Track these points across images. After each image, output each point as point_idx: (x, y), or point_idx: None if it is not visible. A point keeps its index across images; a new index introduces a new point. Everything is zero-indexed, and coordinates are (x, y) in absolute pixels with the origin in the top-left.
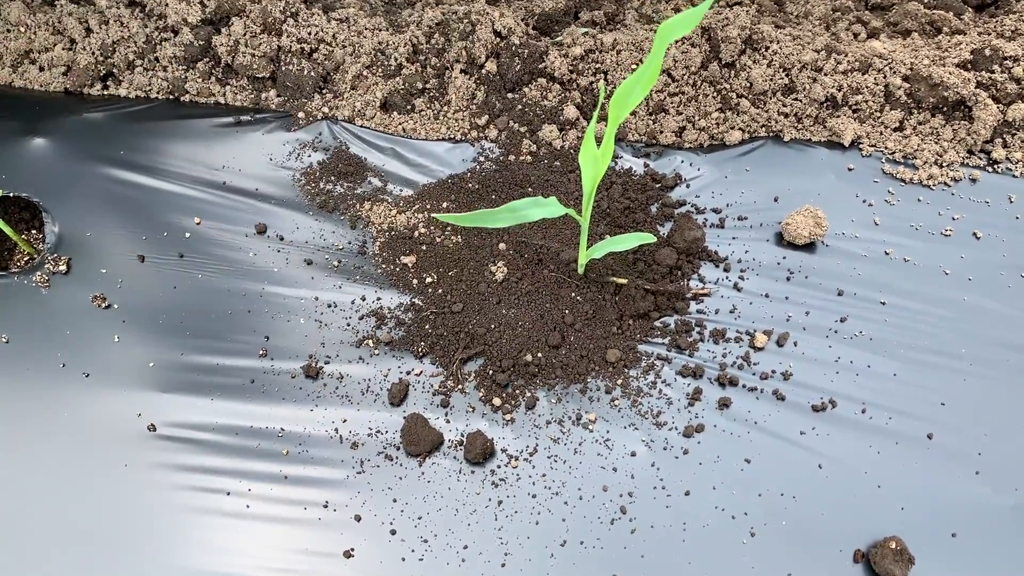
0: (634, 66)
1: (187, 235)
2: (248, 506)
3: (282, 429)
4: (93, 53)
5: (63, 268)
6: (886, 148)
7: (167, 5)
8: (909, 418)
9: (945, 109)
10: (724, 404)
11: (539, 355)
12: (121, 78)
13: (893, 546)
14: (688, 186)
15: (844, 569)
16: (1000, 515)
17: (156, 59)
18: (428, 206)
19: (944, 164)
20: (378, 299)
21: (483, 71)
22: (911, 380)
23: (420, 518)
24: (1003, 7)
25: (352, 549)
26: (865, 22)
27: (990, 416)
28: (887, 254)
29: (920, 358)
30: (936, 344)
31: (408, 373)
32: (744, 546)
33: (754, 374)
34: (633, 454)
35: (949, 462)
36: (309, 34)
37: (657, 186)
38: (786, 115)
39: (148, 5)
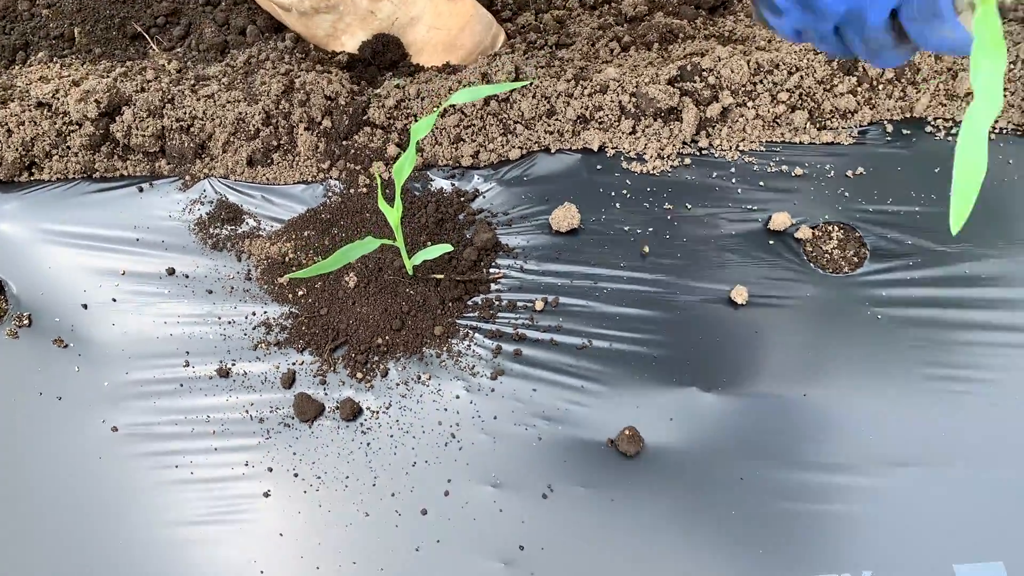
0: (435, 108)
1: (116, 284)
2: (192, 472)
3: (208, 416)
4: (16, 150)
5: (26, 322)
6: (623, 149)
7: (69, 105)
8: (642, 345)
9: (662, 115)
10: (517, 353)
11: (387, 338)
12: (43, 166)
13: (628, 433)
14: (484, 197)
15: (602, 452)
16: (704, 403)
17: (68, 147)
18: (294, 235)
19: (664, 156)
20: (265, 312)
21: (321, 127)
22: (644, 318)
23: (313, 463)
24: (729, 8)
25: (269, 490)
26: (620, 37)
27: (698, 339)
28: (625, 231)
29: (648, 302)
30: (655, 291)
31: (293, 364)
32: (535, 447)
33: (536, 330)
34: (457, 397)
35: (670, 373)
36: (184, 114)
37: (461, 199)
38: (550, 133)
39: (54, 106)
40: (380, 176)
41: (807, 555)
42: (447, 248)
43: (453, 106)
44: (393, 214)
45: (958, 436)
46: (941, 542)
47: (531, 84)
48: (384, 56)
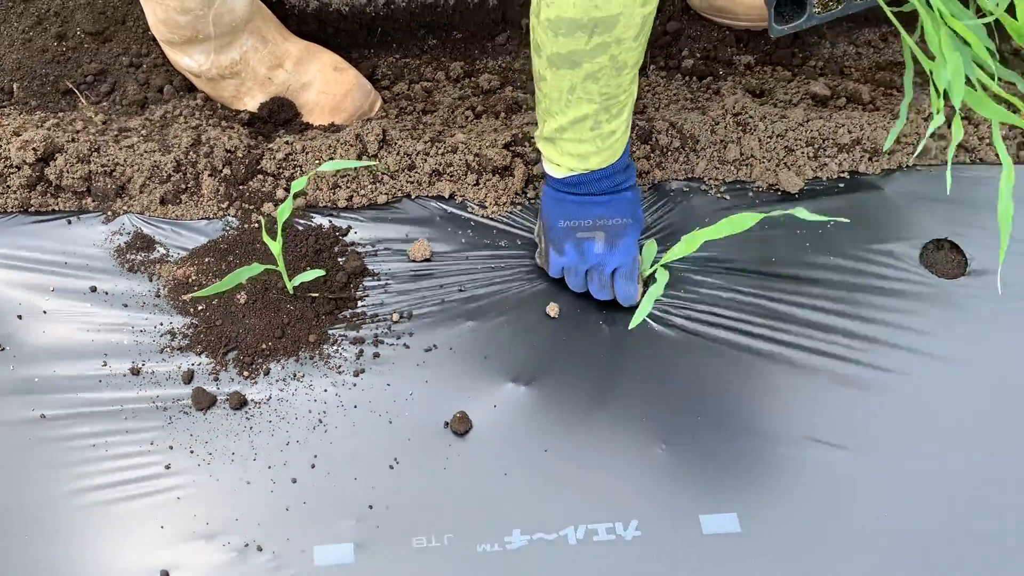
0: (317, 162)
1: (47, 299)
2: (107, 450)
3: (122, 406)
4: None
5: None
6: (469, 197)
7: (11, 152)
8: (476, 348)
9: (499, 171)
10: (376, 355)
11: (270, 344)
12: None
13: (459, 416)
14: (355, 232)
15: (439, 432)
16: (521, 394)
17: (8, 186)
18: (196, 261)
19: (500, 204)
20: (171, 323)
21: (222, 173)
22: (479, 327)
23: (206, 443)
24: None
25: (169, 464)
26: (474, 107)
27: (519, 344)
28: (467, 257)
29: (482, 315)
30: (488, 306)
31: (192, 364)
32: (386, 428)
33: (392, 336)
34: (325, 390)
35: (496, 371)
36: (108, 160)
37: (337, 234)
38: (411, 182)
39: None
40: (266, 216)
41: (591, 507)
42: (320, 273)
43: (331, 158)
44: (275, 246)
45: (710, 414)
46: (687, 497)
47: (377, 166)
48: (279, 115)
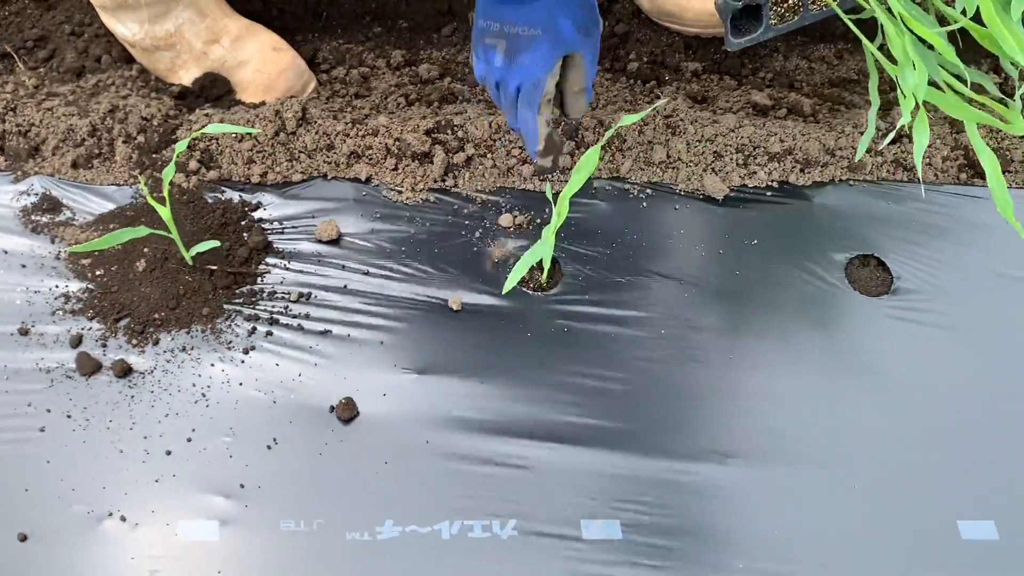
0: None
1: None
2: None
3: (5, 364)
4: None
5: None
6: (386, 181)
7: None
8: (373, 334)
9: (418, 157)
10: (269, 334)
11: (163, 314)
12: None
13: (344, 402)
14: (265, 209)
15: (324, 416)
16: (412, 383)
17: None
18: (101, 226)
19: (417, 190)
20: (67, 286)
21: (136, 141)
22: (378, 313)
23: (85, 408)
24: None
25: (44, 427)
26: (408, 95)
27: (418, 334)
28: (370, 242)
29: (385, 303)
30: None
31: (83, 329)
32: (269, 408)
33: (288, 316)
34: (212, 365)
35: (391, 360)
36: (24, 120)
37: (246, 209)
38: (328, 163)
39: None
40: (176, 186)
41: (470, 503)
42: (215, 244)
43: (250, 134)
44: (164, 211)
45: (602, 419)
46: (569, 500)
47: (254, 134)
48: (211, 91)
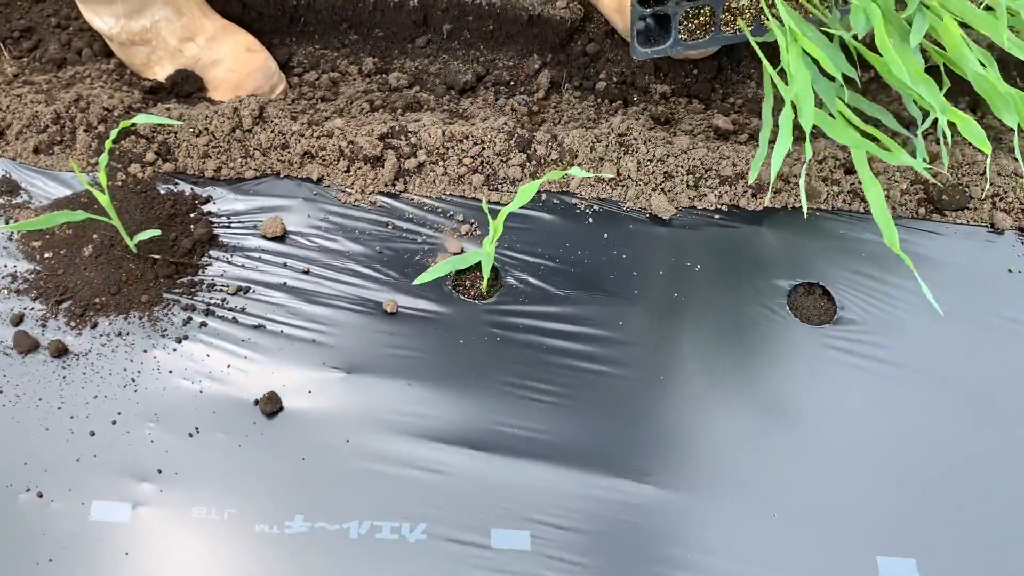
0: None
1: None
2: None
3: None
4: None
5: None
6: (337, 182)
7: None
8: (306, 333)
9: (370, 161)
10: (203, 324)
11: (104, 299)
12: None
13: (268, 396)
14: (215, 203)
15: (248, 409)
16: (340, 382)
17: None
18: (55, 211)
19: (366, 192)
20: (15, 266)
21: (96, 130)
22: (312, 313)
23: (17, 385)
24: (476, 92)
25: None
26: (373, 101)
27: (349, 335)
28: (314, 241)
29: (319, 302)
30: (326, 293)
31: (25, 309)
32: (195, 397)
33: (224, 309)
34: (145, 351)
35: (320, 358)
36: None
37: (195, 201)
38: (282, 161)
39: None
40: (131, 176)
41: (381, 504)
42: (156, 233)
43: (207, 128)
44: (103, 197)
45: (524, 429)
46: (481, 508)
47: (180, 126)
48: (183, 87)
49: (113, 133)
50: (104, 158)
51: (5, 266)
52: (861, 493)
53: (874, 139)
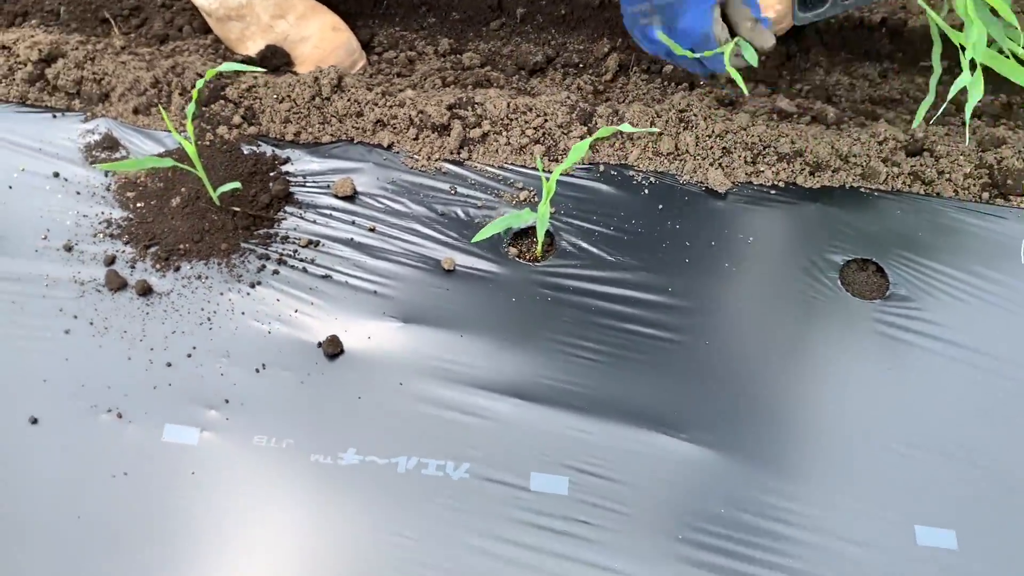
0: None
1: (15, 175)
2: (23, 307)
3: (47, 274)
4: None
5: None
6: (406, 149)
7: (20, 49)
8: (369, 284)
9: (438, 129)
10: (275, 272)
11: (187, 246)
12: None
13: (330, 338)
14: (293, 164)
15: (311, 350)
16: (399, 331)
17: (13, 79)
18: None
19: (433, 159)
20: (111, 213)
21: (190, 94)
22: (375, 267)
23: (106, 318)
24: (545, 73)
25: (69, 330)
26: (445, 77)
27: (410, 288)
28: (381, 202)
29: (383, 256)
30: (391, 250)
31: (117, 251)
32: (264, 337)
33: (296, 259)
34: (221, 294)
35: (381, 308)
36: (99, 70)
37: (275, 162)
38: (356, 128)
39: (12, 49)
40: (219, 137)
41: (428, 443)
42: (236, 185)
43: (289, 95)
44: (189, 147)
45: (569, 384)
46: (523, 452)
47: (254, 71)
48: (271, 61)
49: (199, 83)
50: (192, 107)
51: (102, 212)
52: (903, 463)
53: None
